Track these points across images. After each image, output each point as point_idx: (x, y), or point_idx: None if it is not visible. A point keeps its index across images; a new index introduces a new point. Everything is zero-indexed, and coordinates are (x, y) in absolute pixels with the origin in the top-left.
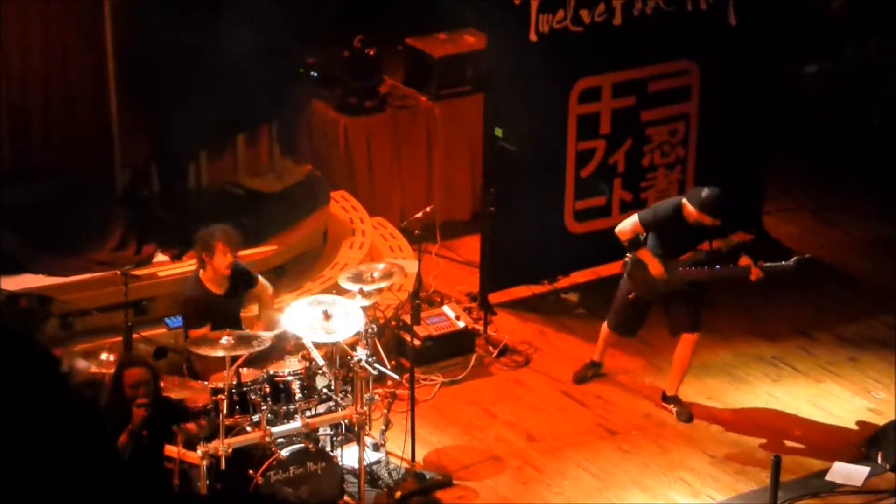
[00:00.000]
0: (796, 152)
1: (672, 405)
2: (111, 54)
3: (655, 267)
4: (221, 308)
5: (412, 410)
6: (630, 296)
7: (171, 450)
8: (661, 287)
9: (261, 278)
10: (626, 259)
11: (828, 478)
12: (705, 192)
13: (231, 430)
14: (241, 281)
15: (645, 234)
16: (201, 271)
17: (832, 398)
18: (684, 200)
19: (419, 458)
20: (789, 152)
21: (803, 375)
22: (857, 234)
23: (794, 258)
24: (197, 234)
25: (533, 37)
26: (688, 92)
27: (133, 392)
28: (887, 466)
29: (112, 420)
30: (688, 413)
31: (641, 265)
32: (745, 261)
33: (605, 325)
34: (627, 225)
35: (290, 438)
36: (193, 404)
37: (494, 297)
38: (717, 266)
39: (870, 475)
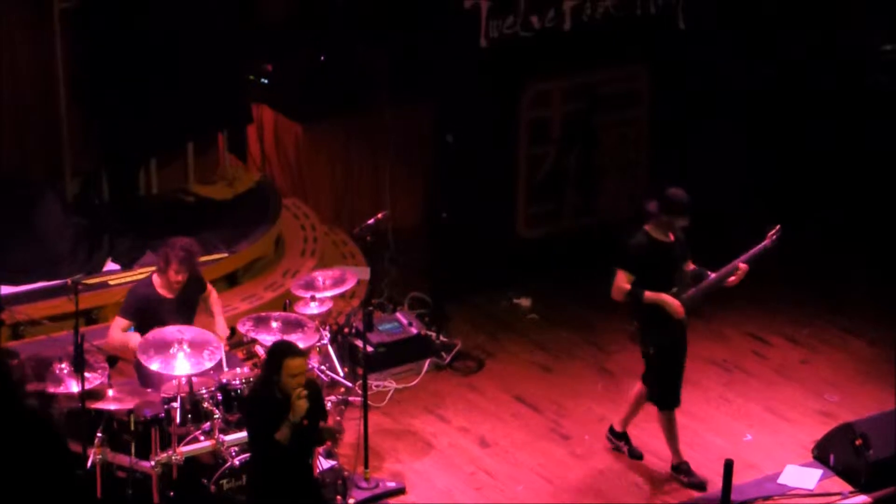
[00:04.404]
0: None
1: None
2: (61, 62)
3: (671, 302)
4: (166, 311)
5: (365, 417)
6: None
7: (122, 459)
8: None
9: (208, 284)
10: (631, 327)
11: (780, 480)
12: (674, 192)
13: (183, 439)
14: (194, 286)
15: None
16: (157, 274)
17: (784, 401)
18: (649, 225)
19: (372, 464)
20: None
21: (755, 378)
22: (810, 238)
23: (767, 236)
24: (162, 240)
25: (483, 42)
26: (638, 96)
27: (294, 383)
28: (839, 469)
29: (271, 410)
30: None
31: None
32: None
33: (666, 415)
34: (618, 283)
35: (242, 446)
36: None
37: (447, 303)
38: (712, 275)
39: (821, 478)
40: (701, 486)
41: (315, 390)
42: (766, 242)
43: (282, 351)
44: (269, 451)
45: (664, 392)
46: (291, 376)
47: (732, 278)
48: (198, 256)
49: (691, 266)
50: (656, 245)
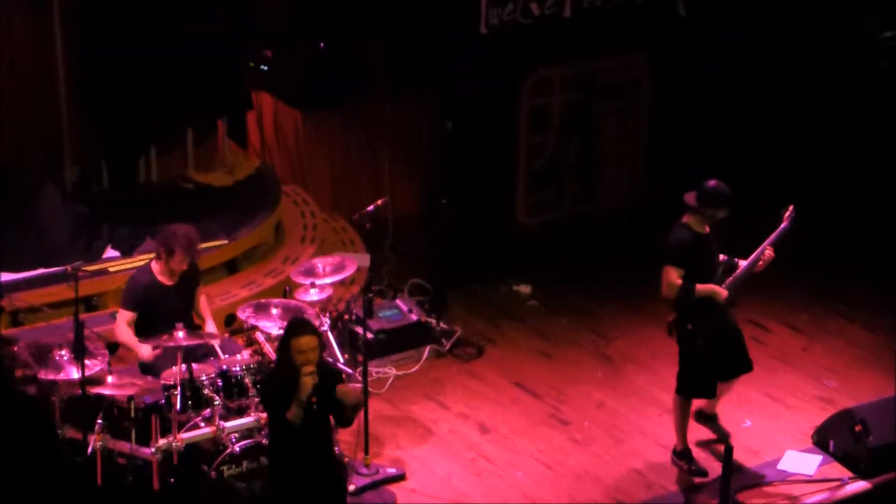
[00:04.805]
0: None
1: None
2: (61, 50)
3: (721, 292)
4: (167, 299)
5: (365, 404)
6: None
7: (122, 446)
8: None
9: (200, 284)
10: (670, 320)
11: (780, 466)
12: (713, 184)
13: (183, 426)
14: (191, 273)
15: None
16: (155, 261)
17: (784, 387)
18: (688, 218)
19: (372, 451)
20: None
21: (755, 365)
22: (811, 224)
23: (783, 218)
24: (161, 229)
25: (483, 29)
26: (638, 85)
27: (302, 359)
28: (839, 455)
29: (281, 387)
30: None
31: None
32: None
33: (685, 402)
34: (669, 280)
35: (243, 433)
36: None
37: (447, 290)
38: (743, 262)
39: (821, 464)
40: (701, 472)
41: (328, 372)
42: (784, 224)
43: (291, 328)
44: (281, 430)
45: (692, 380)
46: (299, 352)
47: (760, 263)
48: (198, 243)
49: (722, 256)
50: (698, 238)
